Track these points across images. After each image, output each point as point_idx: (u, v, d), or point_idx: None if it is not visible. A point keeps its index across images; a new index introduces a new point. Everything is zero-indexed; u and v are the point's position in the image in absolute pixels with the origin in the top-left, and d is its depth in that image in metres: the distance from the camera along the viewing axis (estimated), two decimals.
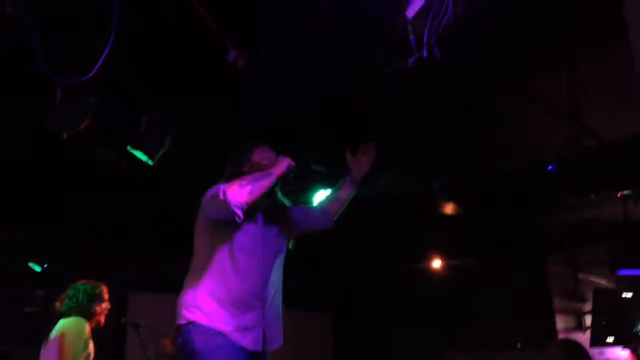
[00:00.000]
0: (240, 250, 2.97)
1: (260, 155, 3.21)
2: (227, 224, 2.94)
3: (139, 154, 4.18)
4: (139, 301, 7.63)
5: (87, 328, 4.15)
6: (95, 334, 4.33)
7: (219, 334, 2.82)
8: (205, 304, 2.87)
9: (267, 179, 2.97)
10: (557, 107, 4.66)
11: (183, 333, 2.86)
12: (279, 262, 3.18)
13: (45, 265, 6.51)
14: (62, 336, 4.05)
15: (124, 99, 4.10)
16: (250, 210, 2.96)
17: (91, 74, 2.95)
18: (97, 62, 3.03)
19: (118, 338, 7.20)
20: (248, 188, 2.88)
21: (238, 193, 2.84)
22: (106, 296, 4.41)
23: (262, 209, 3.14)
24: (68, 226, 6.20)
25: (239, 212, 2.84)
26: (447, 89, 4.27)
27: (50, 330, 4.18)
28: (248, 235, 3.02)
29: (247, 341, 2.87)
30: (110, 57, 3.15)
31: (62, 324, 4.14)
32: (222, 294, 2.89)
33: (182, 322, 2.88)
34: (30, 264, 6.41)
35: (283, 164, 3.04)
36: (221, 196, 2.81)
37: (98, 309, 4.30)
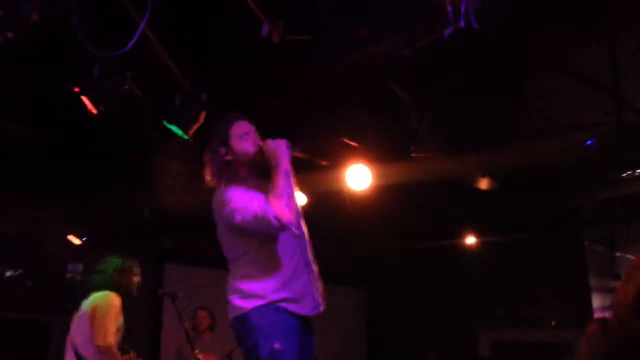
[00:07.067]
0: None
1: (239, 139, 2.99)
2: None
3: (174, 129, 4.21)
4: (175, 273, 7.75)
5: (117, 302, 4.20)
6: (133, 305, 4.40)
7: (276, 308, 2.83)
8: (259, 289, 2.86)
9: (289, 182, 2.88)
10: (597, 82, 4.56)
11: (243, 322, 2.84)
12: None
13: (84, 238, 6.64)
14: (93, 310, 4.12)
15: (159, 74, 4.13)
16: None
17: (128, 47, 2.99)
18: (133, 37, 3.08)
19: (155, 309, 7.32)
20: (289, 206, 2.82)
21: (286, 213, 2.78)
22: (137, 270, 4.46)
23: None
24: (106, 199, 6.30)
25: (294, 229, 2.90)
26: (484, 61, 4.19)
27: (81, 303, 4.26)
28: None
29: (303, 309, 2.90)
30: (146, 33, 3.18)
31: (93, 297, 4.22)
32: (273, 277, 2.88)
33: (240, 312, 2.86)
34: (70, 237, 6.54)
35: (284, 155, 2.89)
36: (274, 223, 2.74)
37: (128, 282, 4.35)
